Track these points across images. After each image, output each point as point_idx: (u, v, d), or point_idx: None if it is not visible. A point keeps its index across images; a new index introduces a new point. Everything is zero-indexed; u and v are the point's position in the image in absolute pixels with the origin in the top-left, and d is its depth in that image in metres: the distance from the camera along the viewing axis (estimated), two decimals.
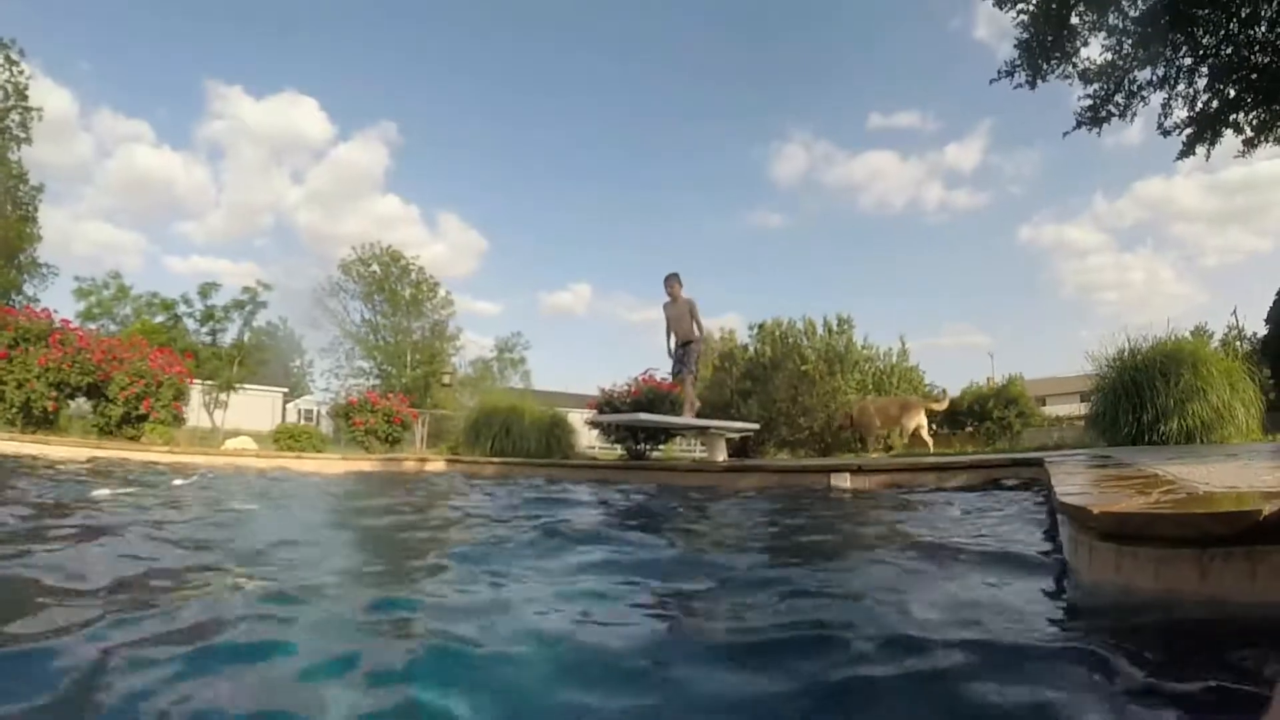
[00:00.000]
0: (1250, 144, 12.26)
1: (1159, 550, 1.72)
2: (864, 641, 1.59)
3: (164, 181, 59.52)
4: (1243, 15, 11.39)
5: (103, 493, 5.00)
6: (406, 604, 2.04)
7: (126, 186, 60.16)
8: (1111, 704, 1.26)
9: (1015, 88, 12.86)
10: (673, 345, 10.47)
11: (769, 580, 2.38)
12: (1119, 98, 12.60)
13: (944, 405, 12.88)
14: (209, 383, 31.60)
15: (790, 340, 19.52)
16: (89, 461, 8.98)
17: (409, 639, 1.70)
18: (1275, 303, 7.79)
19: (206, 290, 36.21)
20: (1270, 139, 12.13)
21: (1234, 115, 12.17)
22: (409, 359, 35.04)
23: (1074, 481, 2.87)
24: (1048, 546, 2.59)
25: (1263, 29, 11.42)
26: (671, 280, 10.31)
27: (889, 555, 2.68)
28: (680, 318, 10.29)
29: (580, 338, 79.71)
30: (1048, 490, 3.25)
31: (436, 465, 11.66)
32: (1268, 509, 1.64)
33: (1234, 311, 26.03)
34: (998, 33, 47.37)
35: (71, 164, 51.57)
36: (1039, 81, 12.71)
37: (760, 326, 20.55)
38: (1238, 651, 1.39)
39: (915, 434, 12.34)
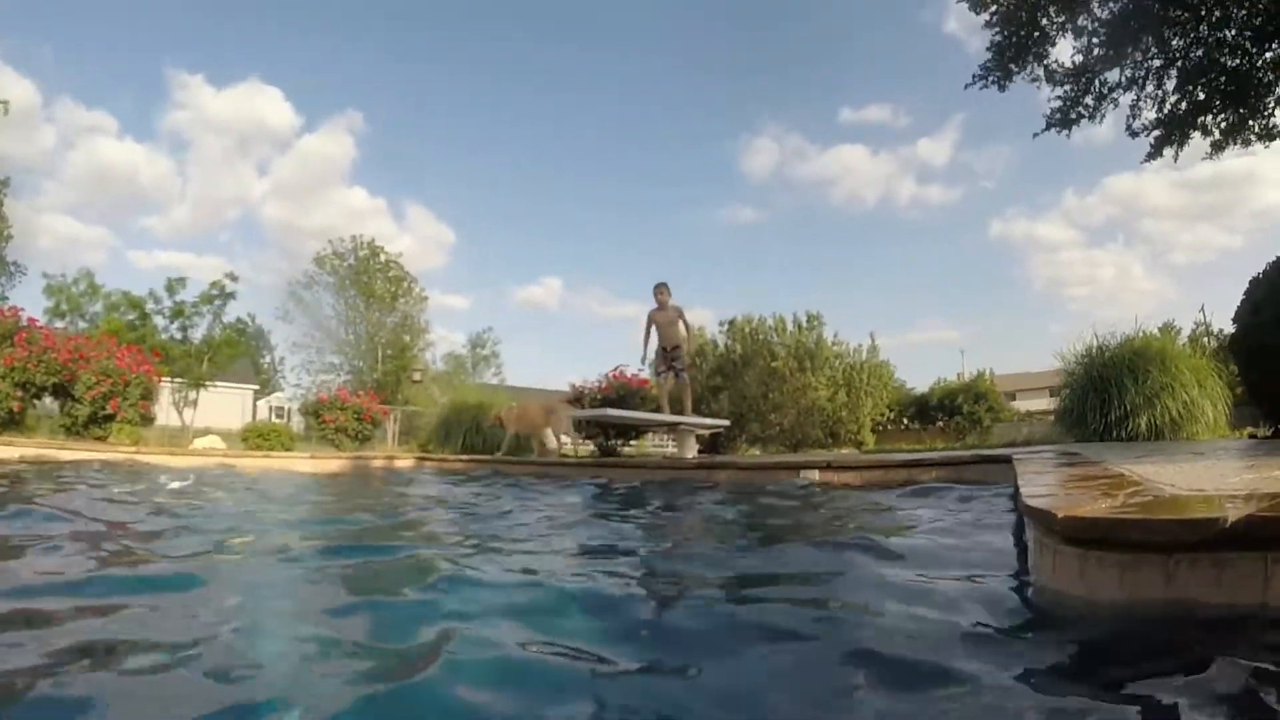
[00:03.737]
0: (1218, 147, 12.35)
1: (1124, 555, 1.68)
2: (829, 647, 1.54)
3: (127, 174, 58.89)
4: (1213, 18, 11.47)
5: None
6: None
7: (89, 179, 59.37)
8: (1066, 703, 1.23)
9: (981, 89, 12.92)
10: (651, 351, 10.78)
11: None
12: (1088, 99, 12.66)
13: (583, 411, 13.13)
14: (178, 381, 31.12)
15: (760, 337, 19.52)
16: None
17: None
18: (1243, 301, 7.84)
19: (174, 286, 35.66)
20: (1237, 142, 12.23)
21: (1202, 118, 12.26)
22: (380, 355, 34.70)
23: (1041, 482, 2.84)
24: (1013, 548, 2.56)
25: (1232, 32, 11.50)
26: (662, 289, 10.60)
27: (847, 555, 2.63)
28: (673, 323, 10.69)
29: (552, 333, 79.39)
30: (1015, 489, 3.22)
31: (405, 463, 11.56)
32: (1234, 515, 1.60)
33: (1201, 309, 26.40)
34: (969, 27, 47.44)
35: (34, 155, 50.60)
36: (1007, 84, 12.76)
37: (731, 323, 20.54)
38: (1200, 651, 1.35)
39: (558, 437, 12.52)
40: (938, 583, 2.11)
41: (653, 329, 10.66)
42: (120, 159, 58.31)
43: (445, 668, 1.41)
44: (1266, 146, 12.15)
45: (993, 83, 12.79)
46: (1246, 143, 12.22)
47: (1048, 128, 13.00)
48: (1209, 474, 2.83)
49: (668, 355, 10.71)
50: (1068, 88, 12.66)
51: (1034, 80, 12.73)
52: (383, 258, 37.07)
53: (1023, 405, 32.93)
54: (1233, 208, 65.30)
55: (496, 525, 4.03)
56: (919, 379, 29.51)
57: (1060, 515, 1.82)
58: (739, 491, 5.49)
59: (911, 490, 4.59)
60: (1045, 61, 12.65)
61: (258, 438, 15.05)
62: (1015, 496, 3.06)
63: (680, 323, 10.80)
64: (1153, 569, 1.65)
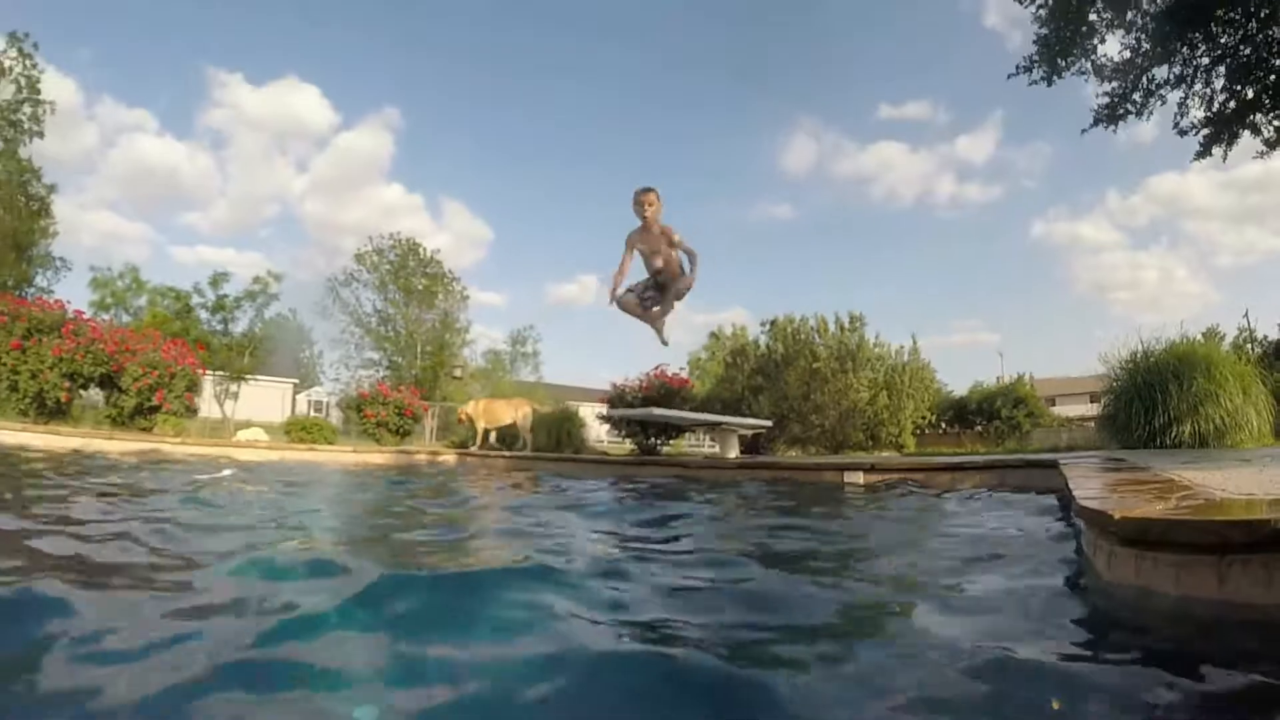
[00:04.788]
0: (1271, 145, 12.17)
1: (1178, 555, 1.75)
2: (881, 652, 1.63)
3: (168, 171, 59.46)
4: (1262, 15, 11.32)
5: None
6: None
7: (130, 176, 60.09)
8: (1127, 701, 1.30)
9: (1031, 84, 12.79)
10: (622, 288, 6.35)
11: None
12: (1136, 95, 12.54)
13: (544, 408, 13.29)
14: (220, 373, 31.74)
15: (802, 337, 19.49)
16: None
17: None
18: None
19: (218, 280, 36.45)
20: None
21: (1252, 116, 12.10)
22: (419, 350, 35.06)
23: (1091, 485, 2.89)
24: (1065, 549, 2.62)
25: None
26: (647, 196, 6.14)
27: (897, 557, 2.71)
28: (658, 253, 6.28)
29: (587, 331, 79.03)
30: (1064, 492, 3.28)
31: (448, 458, 11.74)
32: None
33: (1245, 314, 25.89)
34: (1008, 20, 46.49)
35: (76, 154, 51.58)
36: (1056, 79, 12.65)
37: (772, 323, 20.54)
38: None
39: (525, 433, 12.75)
40: (995, 578, 2.19)
41: (634, 257, 6.32)
42: (160, 156, 59.16)
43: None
44: None
45: (1041, 78, 12.68)
46: None
47: (1095, 124, 12.89)
48: (1257, 480, 2.87)
49: (657, 284, 6.43)
50: (1115, 84, 12.54)
51: (1082, 74, 12.62)
52: (424, 254, 37.40)
53: (1062, 410, 32.45)
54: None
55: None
56: (956, 381, 29.27)
57: (1116, 516, 1.89)
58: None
59: (960, 492, 4.65)
60: (1093, 57, 12.53)
61: (301, 431, 15.32)
62: (1067, 498, 3.12)
63: (671, 249, 6.26)
64: (1205, 569, 1.72)
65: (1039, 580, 2.20)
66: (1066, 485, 3.14)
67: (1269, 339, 23.28)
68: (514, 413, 12.75)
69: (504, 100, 63.33)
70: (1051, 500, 3.77)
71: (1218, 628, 1.59)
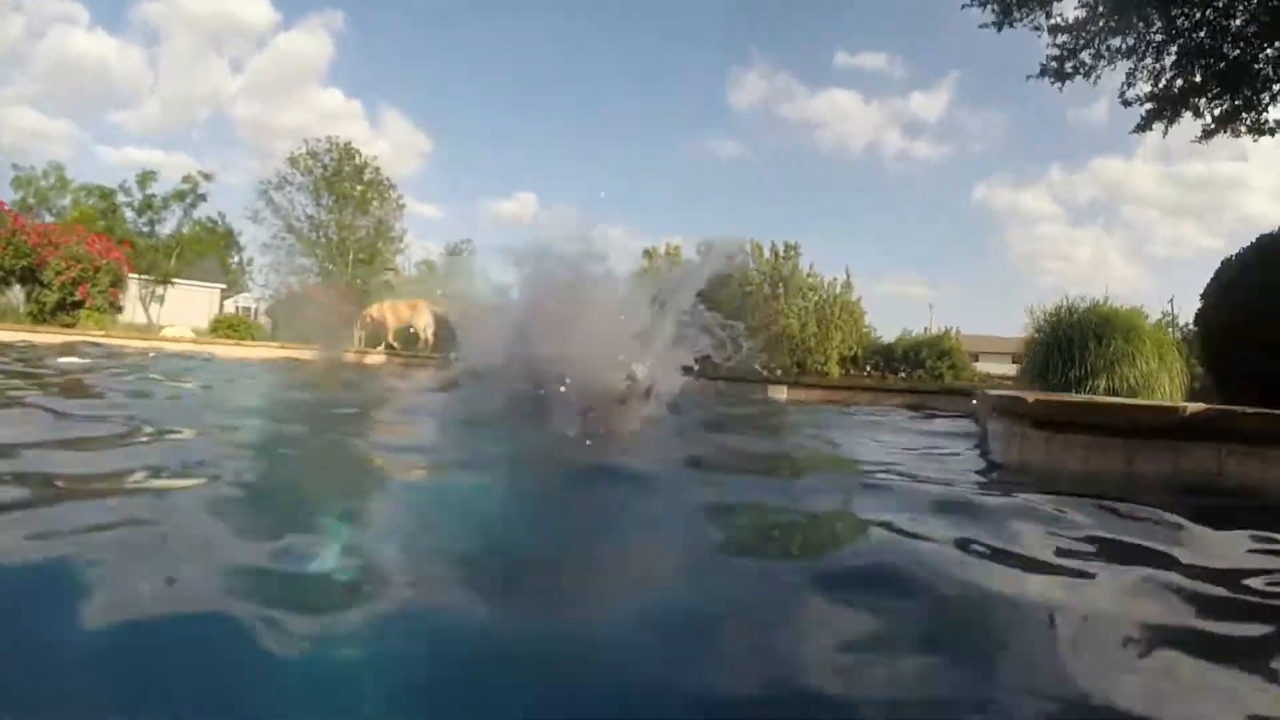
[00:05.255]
0: (1209, 133, 12.41)
1: (1089, 436, 1.80)
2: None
3: (98, 66, 56.48)
4: (1220, 4, 11.46)
5: None
6: None
7: (57, 71, 56.82)
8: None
9: (981, 26, 12.68)
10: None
11: None
12: (1086, 55, 12.61)
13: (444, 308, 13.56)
14: (146, 277, 30.63)
15: (737, 260, 19.73)
16: None
17: None
18: (1213, 280, 8.03)
19: (145, 180, 34.89)
20: (1228, 130, 12.28)
21: (1196, 99, 12.30)
22: (351, 258, 34.19)
23: (1008, 392, 2.97)
24: (973, 444, 2.69)
25: (1238, 21, 11.51)
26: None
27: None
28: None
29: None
30: (977, 411, 3.36)
31: (375, 359, 11.71)
32: (1191, 408, 1.73)
33: (1170, 300, 26.77)
34: None
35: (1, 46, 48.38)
36: (1006, 25, 12.60)
37: (709, 244, 20.68)
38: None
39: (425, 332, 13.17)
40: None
41: None
42: (90, 50, 55.96)
43: None
44: (1255, 140, 12.18)
45: (992, 23, 12.58)
46: (1237, 133, 12.27)
47: (1041, 75, 12.93)
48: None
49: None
50: (1066, 38, 12.58)
51: (1035, 29, 12.61)
52: (360, 160, 36.14)
53: (984, 368, 33.23)
54: (1219, 210, 65.60)
55: None
56: (885, 328, 29.73)
57: (1030, 399, 1.93)
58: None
59: (879, 410, 4.76)
60: (1047, 8, 12.52)
61: (228, 328, 15.04)
62: (981, 415, 3.20)
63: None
64: (1114, 451, 1.78)
65: (956, 464, 2.25)
66: (982, 397, 3.22)
67: (1190, 327, 24.19)
68: (412, 314, 12.71)
69: (447, 10, 61.44)
70: (963, 422, 3.90)
71: (1125, 488, 1.65)
